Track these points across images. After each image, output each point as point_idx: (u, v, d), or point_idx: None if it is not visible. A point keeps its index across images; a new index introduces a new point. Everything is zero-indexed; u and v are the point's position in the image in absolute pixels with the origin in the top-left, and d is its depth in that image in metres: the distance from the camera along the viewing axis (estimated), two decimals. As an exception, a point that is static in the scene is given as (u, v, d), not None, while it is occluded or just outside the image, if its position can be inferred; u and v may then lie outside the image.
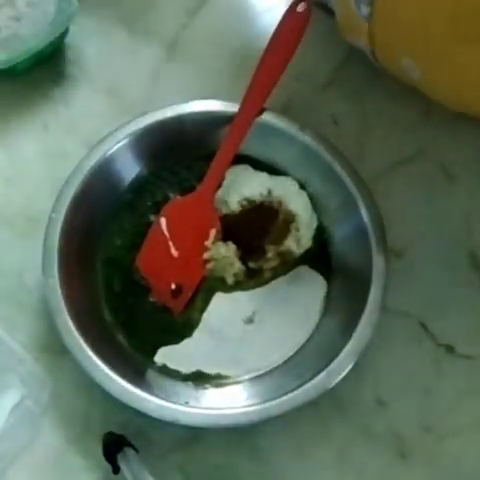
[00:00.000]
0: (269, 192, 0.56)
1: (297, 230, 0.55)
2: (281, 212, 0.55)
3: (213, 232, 0.54)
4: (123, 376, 0.49)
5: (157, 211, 0.56)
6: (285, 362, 0.53)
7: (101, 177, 0.55)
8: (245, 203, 0.56)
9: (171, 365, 0.52)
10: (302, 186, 0.57)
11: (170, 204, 0.56)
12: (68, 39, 0.63)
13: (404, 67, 0.52)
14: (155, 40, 0.64)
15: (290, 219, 0.55)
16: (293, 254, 0.55)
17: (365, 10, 0.51)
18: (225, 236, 0.55)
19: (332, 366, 0.49)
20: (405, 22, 0.49)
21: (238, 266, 0.54)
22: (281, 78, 0.56)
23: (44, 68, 0.62)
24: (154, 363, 0.52)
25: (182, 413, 0.48)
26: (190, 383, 0.52)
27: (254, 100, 0.56)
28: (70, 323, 0.50)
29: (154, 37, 0.64)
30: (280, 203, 0.55)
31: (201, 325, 0.54)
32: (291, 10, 0.56)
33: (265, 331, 0.53)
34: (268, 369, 0.52)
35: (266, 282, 0.55)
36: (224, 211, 0.56)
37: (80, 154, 0.55)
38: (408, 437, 0.52)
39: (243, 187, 0.56)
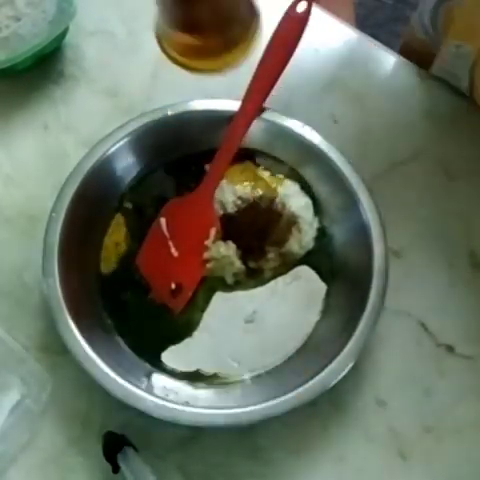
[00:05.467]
0: (266, 190, 0.56)
1: (299, 231, 0.55)
2: (284, 215, 0.55)
3: (213, 231, 0.54)
4: (123, 376, 0.49)
5: (157, 211, 0.56)
6: (285, 362, 0.53)
7: (101, 177, 0.55)
8: (239, 202, 0.55)
9: (171, 364, 0.52)
10: (303, 187, 0.57)
11: (170, 204, 0.56)
12: (68, 39, 0.63)
13: None
14: (155, 40, 0.64)
15: (292, 221, 0.55)
16: (294, 255, 0.55)
17: None
18: (225, 236, 0.55)
19: (332, 366, 0.49)
20: None
21: (238, 266, 0.54)
22: (281, 77, 0.56)
23: (44, 68, 0.62)
24: (154, 363, 0.52)
25: (182, 413, 0.48)
26: (190, 382, 0.52)
27: (254, 100, 0.56)
28: (70, 323, 0.50)
29: (154, 37, 0.64)
30: (283, 205, 0.55)
31: (201, 325, 0.54)
32: (291, 10, 0.56)
33: (265, 331, 0.53)
34: (268, 369, 0.52)
35: (266, 282, 0.55)
36: (221, 211, 0.55)
37: (80, 154, 0.55)
38: (408, 437, 0.52)
39: (237, 186, 0.56)
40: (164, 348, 0.53)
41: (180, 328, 0.54)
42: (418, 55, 0.63)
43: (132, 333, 0.53)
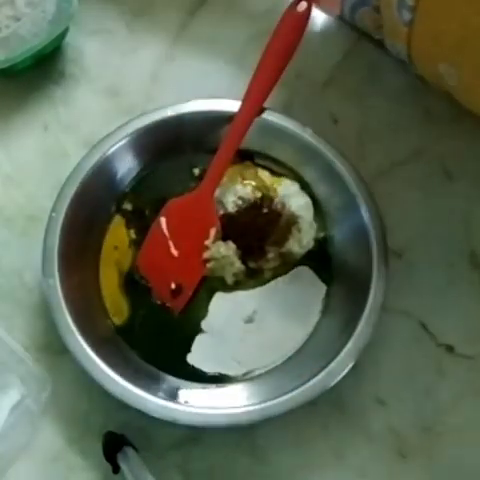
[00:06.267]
0: (265, 190, 0.56)
1: (299, 231, 0.55)
2: (284, 214, 0.55)
3: (213, 231, 0.54)
4: (123, 376, 0.49)
5: (157, 211, 0.56)
6: (285, 362, 0.53)
7: (101, 177, 0.55)
8: (240, 202, 0.55)
9: (171, 364, 0.52)
10: (303, 187, 0.57)
11: (170, 204, 0.56)
12: (68, 39, 0.63)
13: (440, 73, 0.52)
14: (155, 40, 0.64)
15: (292, 221, 0.55)
16: (294, 255, 0.55)
17: (406, 16, 0.51)
18: (225, 236, 0.55)
19: (332, 366, 0.49)
20: (446, 30, 0.49)
21: (238, 266, 0.54)
22: (281, 77, 0.56)
23: (44, 68, 0.62)
24: (154, 363, 0.52)
25: (182, 413, 0.48)
26: (190, 383, 0.52)
27: (254, 100, 0.56)
28: (70, 323, 0.50)
29: (154, 37, 0.64)
30: (283, 205, 0.55)
31: (201, 325, 0.54)
32: (291, 10, 0.56)
33: (265, 331, 0.53)
34: (268, 369, 0.52)
35: (266, 282, 0.55)
36: (221, 211, 0.55)
37: (80, 154, 0.55)
38: (408, 437, 0.52)
39: (237, 186, 0.56)
40: (165, 348, 0.53)
41: (180, 328, 0.54)
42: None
43: (132, 333, 0.53)
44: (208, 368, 0.52)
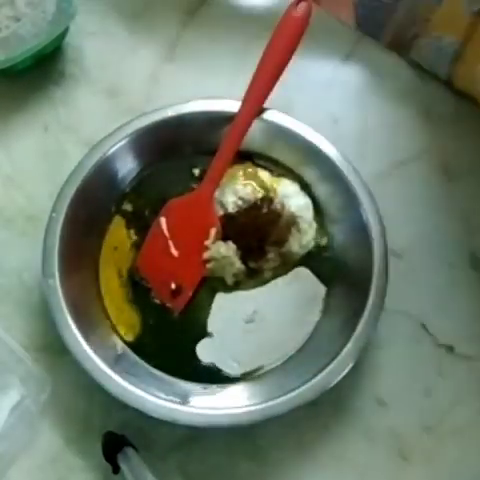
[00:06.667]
0: (265, 191, 0.56)
1: (299, 232, 0.55)
2: (284, 215, 0.55)
3: (213, 231, 0.54)
4: (123, 376, 0.49)
5: (157, 211, 0.56)
6: (285, 362, 0.53)
7: (101, 177, 0.55)
8: (240, 203, 0.55)
9: (171, 365, 0.52)
10: (303, 187, 0.57)
11: (170, 204, 0.56)
12: (68, 39, 0.63)
13: None
14: (155, 40, 0.64)
15: (292, 221, 0.55)
16: (294, 255, 0.55)
17: (476, 6, 0.51)
18: (225, 236, 0.54)
19: (332, 366, 0.49)
20: None
21: (238, 266, 0.54)
22: (281, 77, 0.56)
23: (44, 68, 0.62)
24: (155, 363, 0.52)
25: (182, 413, 0.48)
26: (191, 383, 0.52)
27: (254, 100, 0.56)
28: (70, 323, 0.50)
29: (154, 37, 0.64)
30: (283, 206, 0.55)
31: (203, 326, 0.54)
32: (291, 10, 0.56)
33: (265, 331, 0.53)
34: (268, 369, 0.52)
35: (266, 282, 0.55)
36: (221, 211, 0.55)
37: (80, 154, 0.55)
38: (408, 437, 0.52)
39: (237, 186, 0.56)
40: (166, 351, 0.53)
41: (180, 328, 0.54)
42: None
43: (132, 334, 0.53)
44: (208, 368, 0.52)
